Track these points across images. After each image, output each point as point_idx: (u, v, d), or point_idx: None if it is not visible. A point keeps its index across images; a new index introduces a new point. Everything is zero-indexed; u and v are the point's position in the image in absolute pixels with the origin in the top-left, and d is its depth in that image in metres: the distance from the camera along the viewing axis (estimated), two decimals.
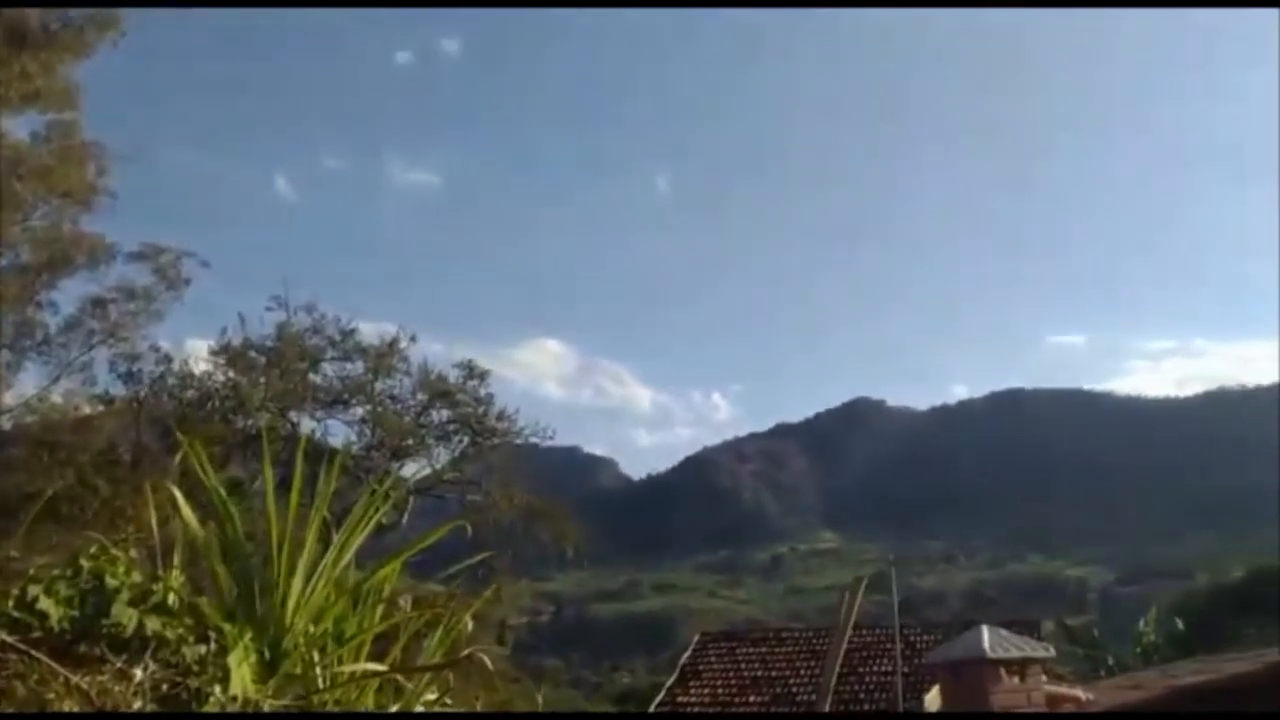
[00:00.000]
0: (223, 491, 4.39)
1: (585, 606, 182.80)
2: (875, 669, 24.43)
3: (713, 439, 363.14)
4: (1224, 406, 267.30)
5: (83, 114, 27.06)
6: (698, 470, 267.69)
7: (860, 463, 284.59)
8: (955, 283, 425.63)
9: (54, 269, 25.65)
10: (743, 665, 26.35)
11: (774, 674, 25.72)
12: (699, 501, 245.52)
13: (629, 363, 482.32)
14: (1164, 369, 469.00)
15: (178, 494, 4.29)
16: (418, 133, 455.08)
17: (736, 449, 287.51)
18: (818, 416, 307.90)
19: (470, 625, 4.89)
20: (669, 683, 26.52)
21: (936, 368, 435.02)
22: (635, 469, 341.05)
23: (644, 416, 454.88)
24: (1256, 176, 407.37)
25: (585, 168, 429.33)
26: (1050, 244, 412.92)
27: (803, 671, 24.95)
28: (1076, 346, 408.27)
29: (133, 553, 4.43)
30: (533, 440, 27.77)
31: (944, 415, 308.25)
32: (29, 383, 25.62)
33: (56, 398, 25.46)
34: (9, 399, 25.18)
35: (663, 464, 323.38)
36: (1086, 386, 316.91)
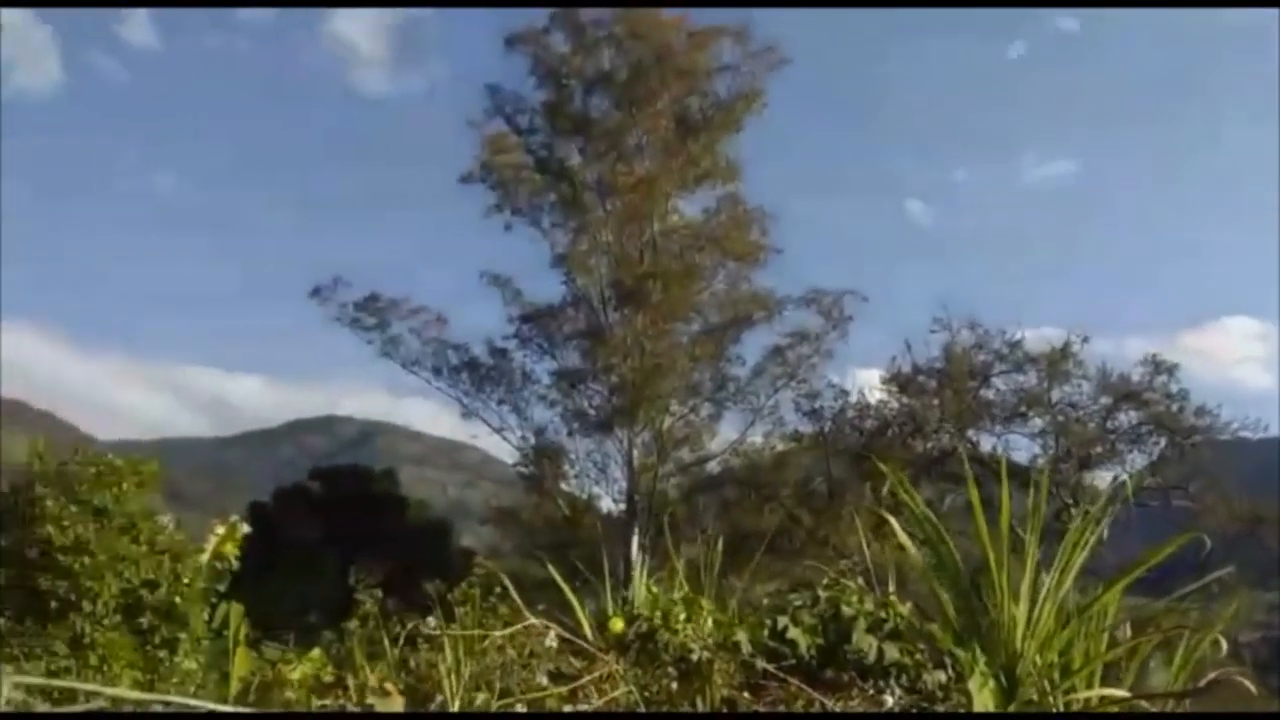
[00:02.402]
0: (933, 516, 4.33)
1: None
2: None
3: None
4: None
5: (743, 183, 30.27)
6: None
7: None
8: None
9: (737, 325, 28.85)
10: None
11: None
12: None
13: None
14: None
15: (892, 520, 4.36)
16: (1045, 124, 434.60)
17: None
18: None
19: (1224, 647, 4.42)
20: None
21: None
22: None
23: None
24: None
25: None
26: None
27: None
28: None
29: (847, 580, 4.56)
30: (1243, 435, 24.76)
31: None
32: (729, 430, 29.01)
33: (756, 439, 28.52)
34: (714, 445, 28.73)
35: None
36: None
